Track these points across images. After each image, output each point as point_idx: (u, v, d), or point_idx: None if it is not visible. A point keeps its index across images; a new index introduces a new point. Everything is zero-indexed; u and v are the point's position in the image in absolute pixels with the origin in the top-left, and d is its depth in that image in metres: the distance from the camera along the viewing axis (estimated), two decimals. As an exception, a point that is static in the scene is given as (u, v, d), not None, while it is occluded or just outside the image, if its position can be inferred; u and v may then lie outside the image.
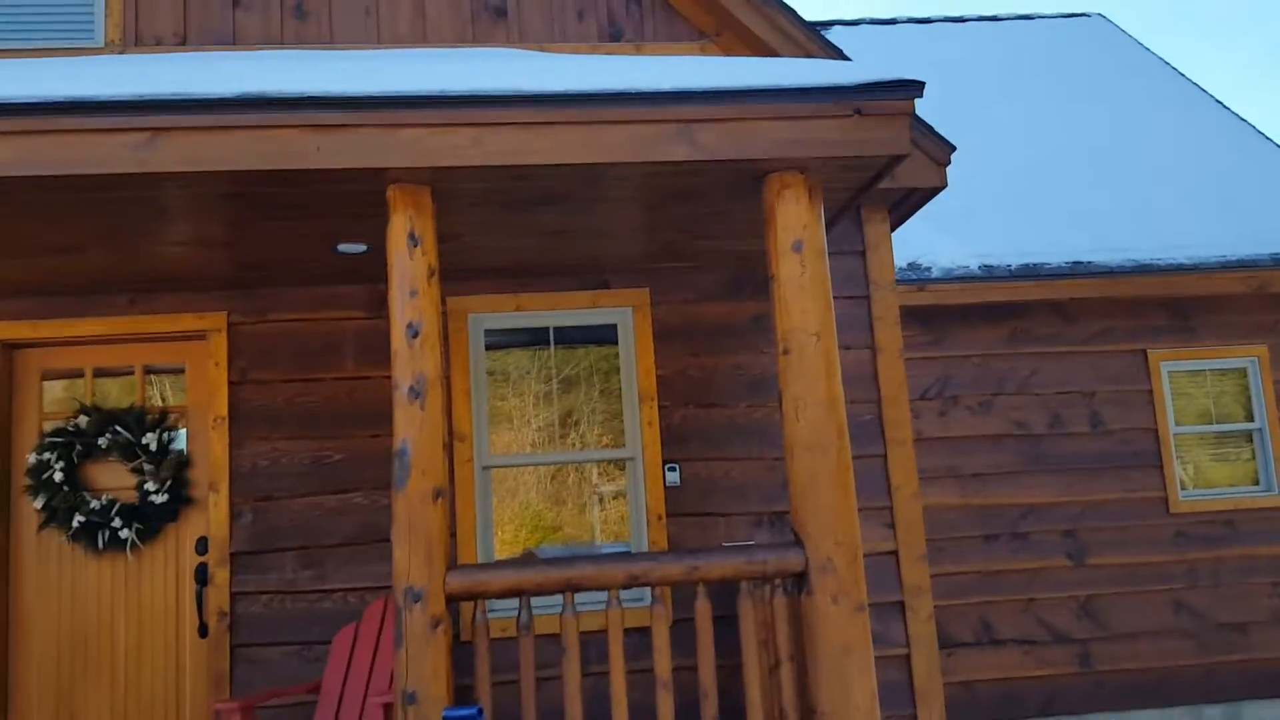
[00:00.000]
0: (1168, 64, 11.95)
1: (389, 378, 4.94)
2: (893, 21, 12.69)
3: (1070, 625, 7.74)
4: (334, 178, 3.58)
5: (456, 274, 4.96)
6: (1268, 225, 8.60)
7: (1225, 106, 10.98)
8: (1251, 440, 8.26)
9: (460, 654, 4.76)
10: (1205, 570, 7.93)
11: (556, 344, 5.22)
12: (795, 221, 3.74)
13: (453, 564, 4.77)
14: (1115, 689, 7.80)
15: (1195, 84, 11.49)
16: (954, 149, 5.11)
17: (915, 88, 3.64)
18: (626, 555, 3.62)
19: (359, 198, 3.82)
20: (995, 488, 7.90)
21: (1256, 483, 8.16)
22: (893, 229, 5.64)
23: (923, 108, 9.83)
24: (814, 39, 5.15)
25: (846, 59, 5.12)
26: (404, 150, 3.46)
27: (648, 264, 5.12)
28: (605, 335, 5.22)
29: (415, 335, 3.57)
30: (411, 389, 3.53)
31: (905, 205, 5.42)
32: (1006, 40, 12.34)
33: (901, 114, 3.67)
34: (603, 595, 4.82)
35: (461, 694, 4.43)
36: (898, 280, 7.78)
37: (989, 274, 7.88)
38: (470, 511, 4.88)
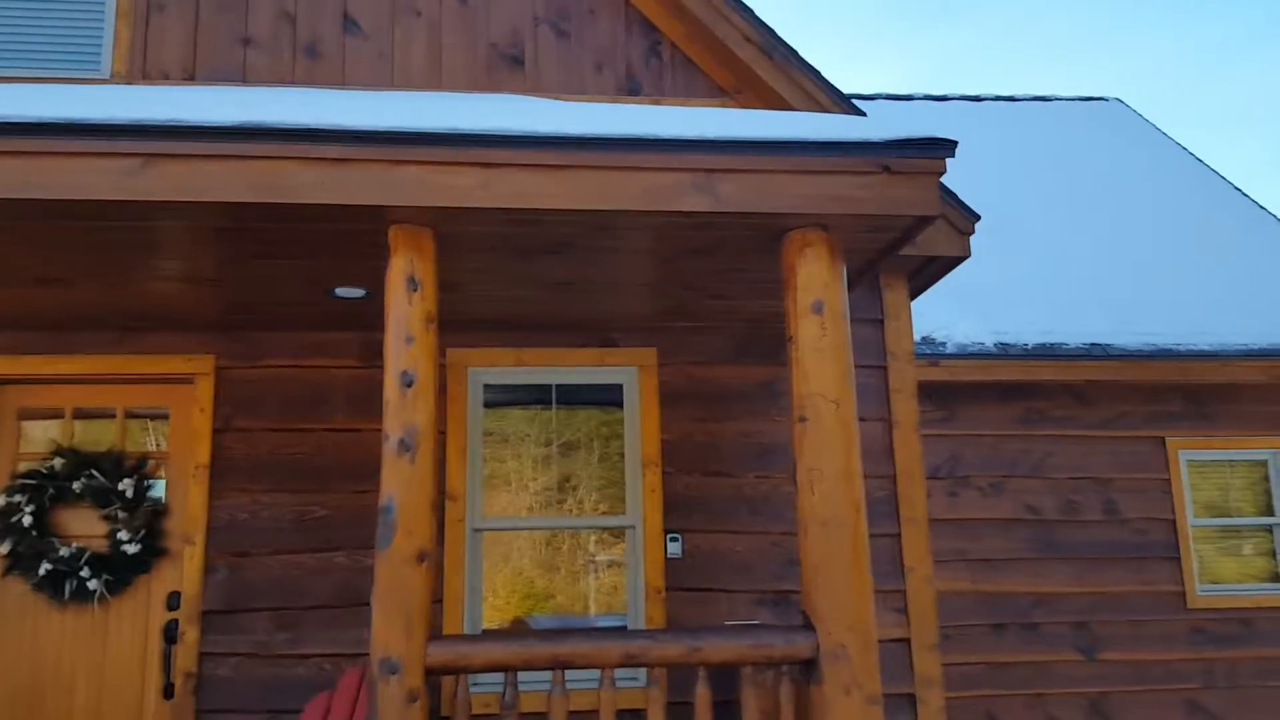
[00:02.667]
0: (1186, 150, 11.92)
1: (379, 431, 4.70)
2: (909, 98, 12.71)
3: (1082, 723, 7.37)
4: (332, 215, 3.39)
5: (457, 325, 4.76)
6: (1289, 315, 8.42)
7: (1244, 194, 10.90)
8: (1271, 534, 7.97)
9: (439, 729, 4.45)
10: (1222, 670, 7.58)
11: (558, 403, 5.00)
12: (816, 281, 3.54)
13: (436, 633, 4.49)
14: (1128, 793, 7.40)
15: (1214, 170, 11.44)
16: (978, 218, 4.95)
17: (947, 147, 3.48)
18: (622, 632, 3.35)
19: (357, 238, 3.63)
20: (1005, 574, 7.60)
21: (1276, 579, 7.85)
22: (912, 297, 5.45)
23: (944, 178, 9.73)
24: (838, 101, 5.02)
25: (869, 123, 4.98)
26: (407, 189, 3.28)
27: (656, 323, 4.92)
28: (609, 396, 5.00)
29: (409, 384, 3.35)
30: (402, 442, 3.30)
31: (925, 274, 5.24)
32: (1023, 121, 12.34)
33: (931, 173, 3.50)
34: (592, 673, 4.52)
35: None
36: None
37: (1004, 352, 7.68)
38: (458, 576, 4.61)
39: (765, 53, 5.08)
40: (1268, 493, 8.04)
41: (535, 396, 4.99)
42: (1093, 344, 7.80)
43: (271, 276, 4.11)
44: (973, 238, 9.18)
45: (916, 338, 7.78)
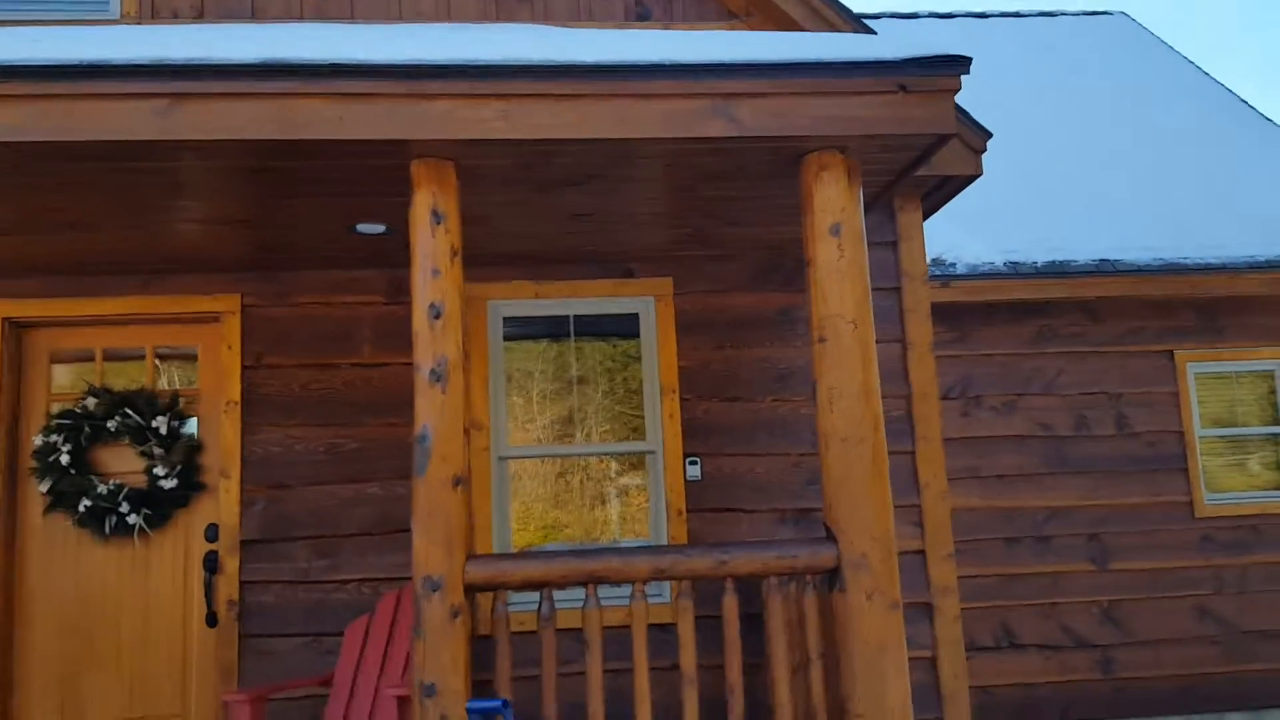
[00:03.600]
0: (1192, 63, 11.78)
1: (407, 364, 4.81)
2: (914, 15, 12.53)
3: (1092, 631, 7.57)
4: (356, 150, 3.45)
5: (477, 259, 4.81)
6: (1297, 226, 8.42)
7: (1252, 107, 10.81)
8: (1278, 443, 8.09)
9: (477, 648, 4.62)
10: (1231, 576, 7.76)
11: (577, 334, 5.08)
12: (834, 204, 3.59)
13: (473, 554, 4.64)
14: (1137, 696, 7.63)
15: (1221, 83, 11.32)
16: (990, 135, 4.97)
17: (962, 64, 3.50)
18: (652, 548, 3.48)
19: (381, 173, 3.68)
20: (1018, 490, 7.74)
21: (1282, 488, 7.99)
22: (925, 218, 5.49)
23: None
24: (849, 21, 5.00)
25: (881, 43, 4.97)
26: (430, 123, 3.33)
27: (673, 251, 4.97)
28: (627, 326, 5.08)
29: (437, 316, 3.43)
30: (433, 372, 3.40)
31: (938, 195, 5.27)
32: (1029, 37, 12.17)
33: (947, 91, 3.53)
34: (622, 591, 4.68)
35: (480, 688, 4.28)
36: (921, 276, 7.63)
37: (1014, 271, 7.72)
38: (486, 503, 4.75)
39: (775, -26, 5.04)
40: (1274, 403, 8.14)
41: (554, 328, 5.07)
42: (1102, 260, 7.83)
43: (296, 215, 4.16)
44: (982, 156, 9.16)
45: (927, 259, 7.82)
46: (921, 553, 4.94)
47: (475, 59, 3.30)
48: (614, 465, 5.13)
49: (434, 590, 3.30)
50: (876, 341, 5.07)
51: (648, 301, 5.03)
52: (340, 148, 3.42)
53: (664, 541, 4.85)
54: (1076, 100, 10.58)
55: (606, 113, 3.38)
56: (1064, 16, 12.93)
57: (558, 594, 4.72)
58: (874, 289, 5.12)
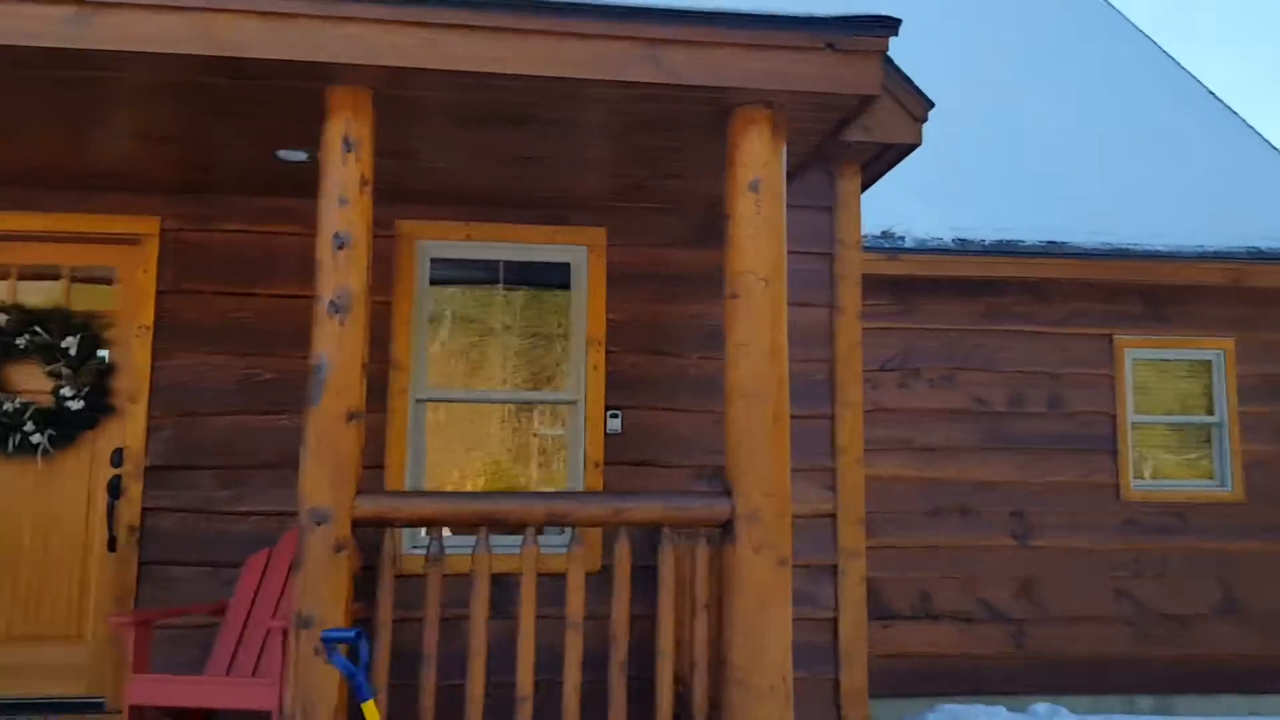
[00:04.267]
0: (1160, 48, 11.77)
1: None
2: (891, -14, 12.39)
3: (1009, 605, 7.70)
4: (276, 71, 3.36)
5: (407, 196, 4.74)
6: (1249, 219, 8.49)
7: (1217, 97, 10.83)
8: (1210, 434, 8.22)
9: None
10: (1151, 560, 7.90)
11: (508, 281, 5.03)
12: (756, 159, 3.56)
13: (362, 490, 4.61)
14: (1049, 672, 7.78)
15: (1188, 71, 11.32)
16: (932, 105, 4.93)
17: (891, 25, 3.45)
18: (549, 494, 3.48)
19: (300, 97, 3.58)
20: (948, 463, 7.81)
21: (1211, 477, 8.13)
22: (866, 187, 5.46)
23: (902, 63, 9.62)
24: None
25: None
26: (349, 46, 3.25)
27: (611, 202, 4.92)
28: (559, 276, 5.03)
29: (342, 246, 3.37)
30: (333, 303, 3.34)
31: (879, 163, 5.24)
32: (997, 10, 12.09)
33: (875, 51, 3.48)
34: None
35: (368, 627, 4.26)
36: (870, 247, 7.61)
37: (963, 248, 7.73)
38: (401, 444, 4.71)
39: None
40: (1210, 394, 8.25)
41: (485, 273, 5.01)
42: (1050, 242, 7.86)
43: (218, 137, 4.07)
44: (934, 129, 9.12)
45: (876, 231, 7.81)
46: (833, 516, 4.98)
47: (389, -17, 3.20)
48: (538, 415, 5.10)
49: (319, 523, 3.27)
50: (807, 305, 5.08)
51: (580, 251, 4.98)
52: (261, 67, 3.33)
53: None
54: (1034, 76, 10.52)
55: (529, 49, 3.31)
56: (1036, -7, 12.84)
57: (459, 540, 4.71)
58: (809, 252, 5.10)
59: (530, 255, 4.98)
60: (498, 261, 5.00)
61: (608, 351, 4.92)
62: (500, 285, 5.02)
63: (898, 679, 7.57)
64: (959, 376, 7.88)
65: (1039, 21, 11.81)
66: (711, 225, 5.06)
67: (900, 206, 8.10)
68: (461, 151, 4.12)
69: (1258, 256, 7.99)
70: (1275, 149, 9.88)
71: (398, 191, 4.66)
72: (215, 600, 4.47)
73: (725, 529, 3.48)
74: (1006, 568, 7.72)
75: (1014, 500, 7.85)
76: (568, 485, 4.92)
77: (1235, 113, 10.58)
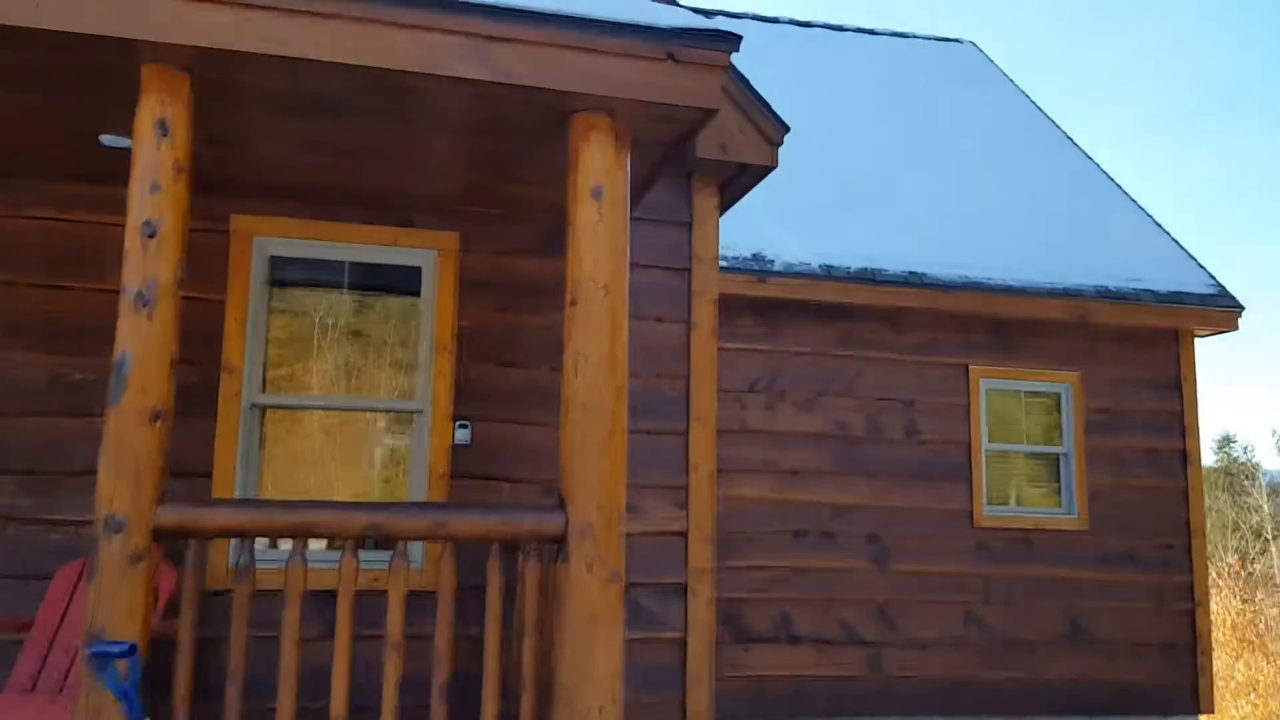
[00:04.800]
0: (1028, 97, 12.32)
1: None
2: (775, 20, 12.69)
3: (866, 628, 7.81)
4: (82, 45, 3.13)
5: (244, 190, 4.53)
6: (1098, 260, 8.89)
7: (1076, 145, 11.37)
8: (1058, 463, 8.52)
9: (211, 605, 4.33)
10: (1000, 586, 8.13)
11: (353, 283, 4.84)
12: (598, 166, 3.50)
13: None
14: (904, 695, 7.91)
15: (1051, 120, 11.87)
16: (788, 129, 4.98)
17: (731, 40, 3.45)
18: (369, 505, 3.31)
19: (113, 76, 3.36)
20: (810, 485, 7.90)
21: (1058, 505, 8.43)
22: (727, 207, 5.48)
23: (785, 102, 9.80)
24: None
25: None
26: (156, 21, 3.06)
27: (460, 206, 4.80)
28: (408, 280, 4.87)
29: (152, 235, 3.16)
30: (140, 295, 3.13)
31: (738, 184, 5.26)
32: (879, 54, 12.49)
33: (716, 66, 3.47)
34: (380, 554, 4.48)
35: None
36: (741, 269, 7.69)
37: (828, 274, 7.87)
38: (232, 450, 4.46)
39: (591, -64, 4.92)
40: (1059, 424, 8.57)
41: (327, 274, 4.82)
42: (910, 272, 8.07)
43: (29, 116, 3.80)
44: (805, 163, 9.31)
45: (748, 254, 7.89)
46: (684, 534, 4.93)
47: (210, -40, 3.04)
48: (382, 423, 4.92)
49: (116, 531, 3.04)
50: (662, 321, 5.05)
51: (430, 255, 4.84)
52: (65, 40, 3.10)
53: (420, 505, 4.67)
54: (915, 119, 10.89)
55: (353, 36, 3.18)
56: (916, 39, 13.32)
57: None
58: (665, 268, 5.08)
59: (378, 257, 4.81)
60: (344, 263, 4.81)
61: (457, 360, 4.78)
62: (345, 288, 4.83)
63: (756, 701, 7.58)
64: (821, 401, 8.00)
65: (912, 69, 12.23)
66: (563, 234, 4.98)
67: (771, 232, 8.21)
68: (292, 143, 3.95)
69: (1105, 295, 8.37)
70: (1129, 196, 10.41)
71: (234, 184, 4.45)
72: (21, 613, 4.13)
73: (558, 544, 3.38)
74: (865, 591, 7.84)
75: (872, 524, 7.99)
76: (410, 498, 4.74)
77: (1092, 159, 11.13)
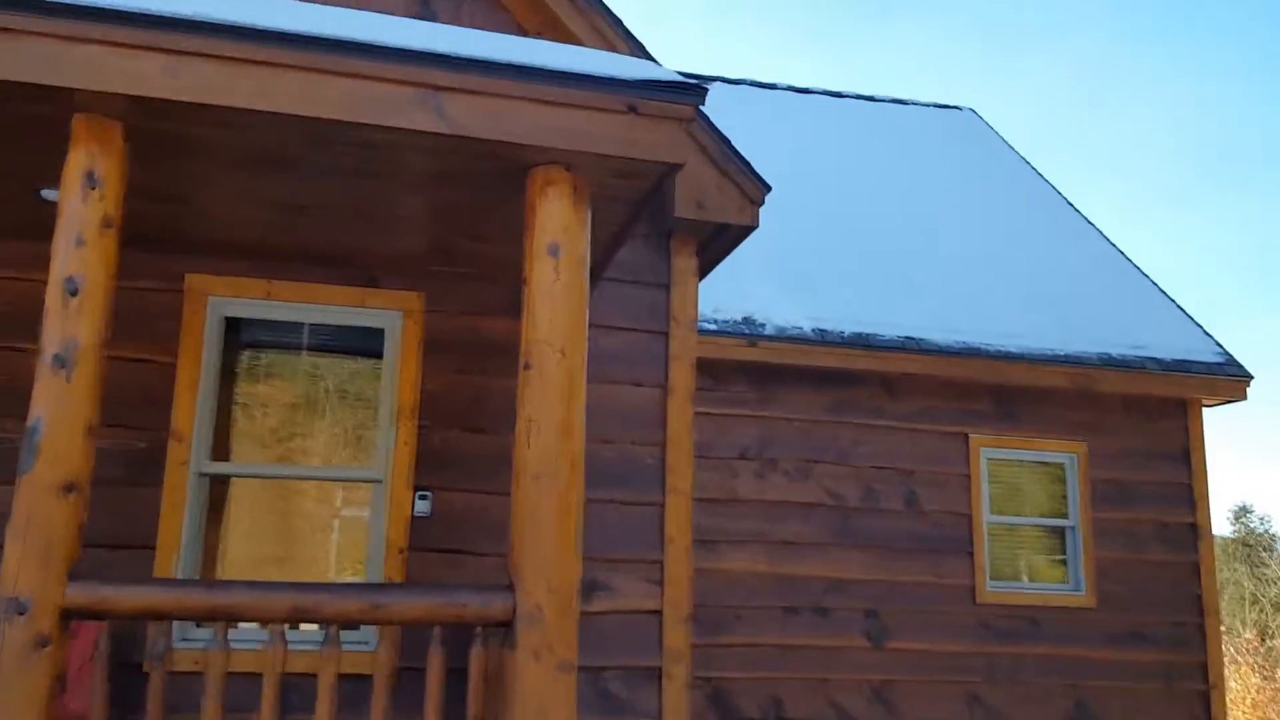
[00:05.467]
0: (1029, 164, 12.24)
1: (115, 358, 4.26)
2: (773, 86, 12.68)
3: (862, 710, 7.43)
4: (12, 94, 2.98)
5: (198, 248, 4.35)
6: (1102, 327, 8.68)
7: (1078, 210, 11.24)
8: (1064, 536, 8.20)
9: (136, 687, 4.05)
10: (1004, 665, 7.76)
11: (313, 345, 4.65)
12: (556, 222, 3.31)
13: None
14: (904, 781, 7.50)
15: (1053, 186, 11.76)
16: (769, 189, 4.81)
17: (697, 92, 3.28)
18: (298, 585, 3.06)
19: (47, 127, 3.20)
20: (803, 558, 7.60)
21: (1065, 581, 8.08)
22: (708, 268, 5.30)
23: (782, 166, 9.71)
24: (636, 51, 4.80)
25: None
26: (83, 69, 2.90)
27: (425, 265, 4.62)
28: (371, 342, 4.67)
29: (75, 293, 2.97)
30: (58, 356, 2.92)
31: (718, 244, 5.08)
32: (880, 120, 12.45)
33: (680, 119, 3.30)
34: (316, 635, 4.21)
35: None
36: (731, 333, 7.49)
37: (822, 338, 7.67)
38: (176, 522, 4.22)
39: (567, -7, 4.82)
40: (1064, 496, 8.26)
41: (286, 336, 4.63)
42: (907, 337, 7.86)
43: (-39, 169, 3.64)
44: (805, 225, 9.18)
45: (738, 317, 7.70)
46: (658, 613, 4.65)
47: (140, 6, 2.90)
48: (341, 494, 4.68)
49: (19, 613, 2.79)
50: (638, 385, 4.83)
51: (395, 316, 4.64)
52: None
53: (379, 580, 4.41)
54: (914, 185, 10.79)
55: (288, 84, 3.01)
56: (915, 106, 13.31)
57: (240, 634, 4.21)
58: (642, 331, 4.88)
59: (340, 319, 4.62)
60: (303, 325, 4.61)
61: (420, 426, 4.56)
62: (304, 350, 4.63)
63: (742, 789, 7.18)
64: (815, 469, 7.73)
65: (912, 135, 12.17)
66: (538, 298, 4.78)
67: (764, 295, 8.03)
68: (243, 199, 3.78)
69: (1109, 363, 8.13)
70: (1134, 264, 10.22)
71: (189, 242, 4.28)
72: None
73: (506, 629, 3.11)
74: (860, 670, 7.48)
75: (869, 599, 7.66)
76: (366, 573, 4.48)
77: (1095, 226, 10.97)
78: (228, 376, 4.51)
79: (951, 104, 13.55)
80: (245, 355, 4.58)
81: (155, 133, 3.19)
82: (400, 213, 3.94)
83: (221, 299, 4.46)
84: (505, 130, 3.17)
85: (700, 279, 5.55)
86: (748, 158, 4.92)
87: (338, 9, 3.30)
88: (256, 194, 3.76)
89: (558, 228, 3.31)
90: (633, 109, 3.26)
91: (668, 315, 4.91)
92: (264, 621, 2.99)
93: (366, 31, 3.11)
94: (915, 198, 10.43)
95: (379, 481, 4.51)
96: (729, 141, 4.84)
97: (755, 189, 4.80)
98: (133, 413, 4.25)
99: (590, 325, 4.79)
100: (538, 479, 3.17)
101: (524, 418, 3.23)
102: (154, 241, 4.30)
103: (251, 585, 3.01)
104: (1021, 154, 12.50)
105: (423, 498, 4.49)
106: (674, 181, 4.79)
